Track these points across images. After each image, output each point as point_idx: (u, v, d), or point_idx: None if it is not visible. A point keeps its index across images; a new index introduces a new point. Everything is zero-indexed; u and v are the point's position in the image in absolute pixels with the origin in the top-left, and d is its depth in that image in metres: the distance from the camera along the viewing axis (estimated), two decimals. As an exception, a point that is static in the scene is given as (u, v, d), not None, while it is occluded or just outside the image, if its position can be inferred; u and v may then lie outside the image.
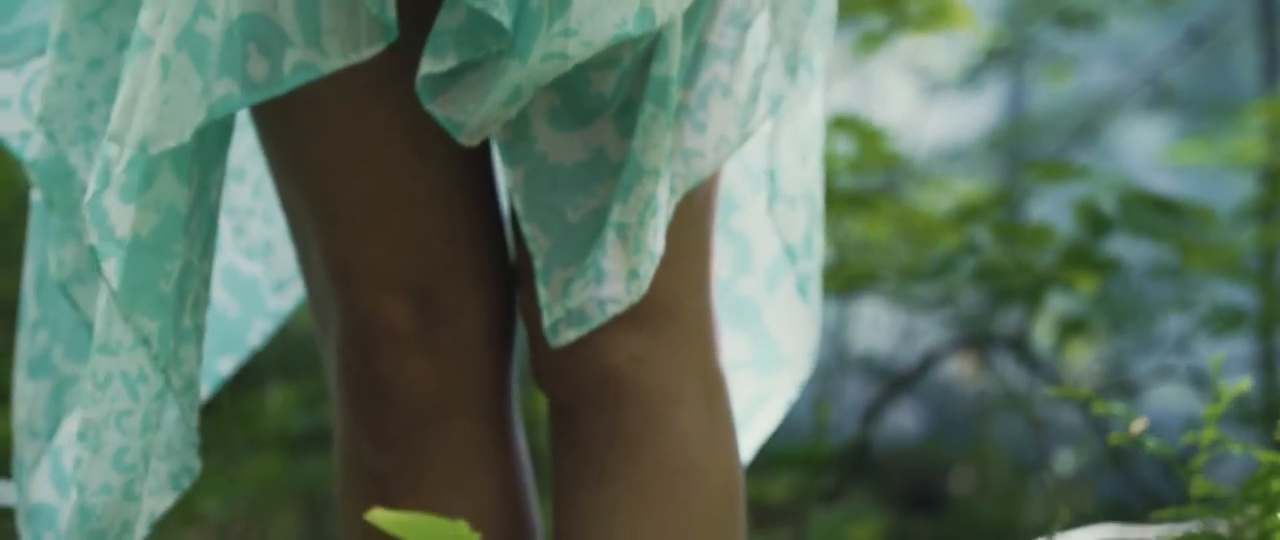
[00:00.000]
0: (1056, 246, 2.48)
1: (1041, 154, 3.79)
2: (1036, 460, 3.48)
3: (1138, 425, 1.66)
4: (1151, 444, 1.67)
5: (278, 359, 3.39)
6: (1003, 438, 3.84)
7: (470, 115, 1.43)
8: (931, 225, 2.64)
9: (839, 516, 2.79)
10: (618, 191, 1.43)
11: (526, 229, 1.48)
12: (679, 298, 1.53)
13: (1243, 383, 1.61)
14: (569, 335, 1.46)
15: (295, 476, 3.36)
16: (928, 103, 4.08)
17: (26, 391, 1.60)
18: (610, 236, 1.43)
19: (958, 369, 3.68)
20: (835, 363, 3.76)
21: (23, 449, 1.61)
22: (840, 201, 2.78)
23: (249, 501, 3.36)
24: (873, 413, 2.74)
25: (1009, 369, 3.17)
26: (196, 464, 1.49)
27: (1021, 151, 4.17)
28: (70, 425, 1.63)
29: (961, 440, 4.15)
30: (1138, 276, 2.92)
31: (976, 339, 2.82)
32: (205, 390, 1.70)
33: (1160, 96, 3.85)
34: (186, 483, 1.48)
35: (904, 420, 4.51)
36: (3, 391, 3.20)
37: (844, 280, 2.79)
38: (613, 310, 1.44)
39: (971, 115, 4.38)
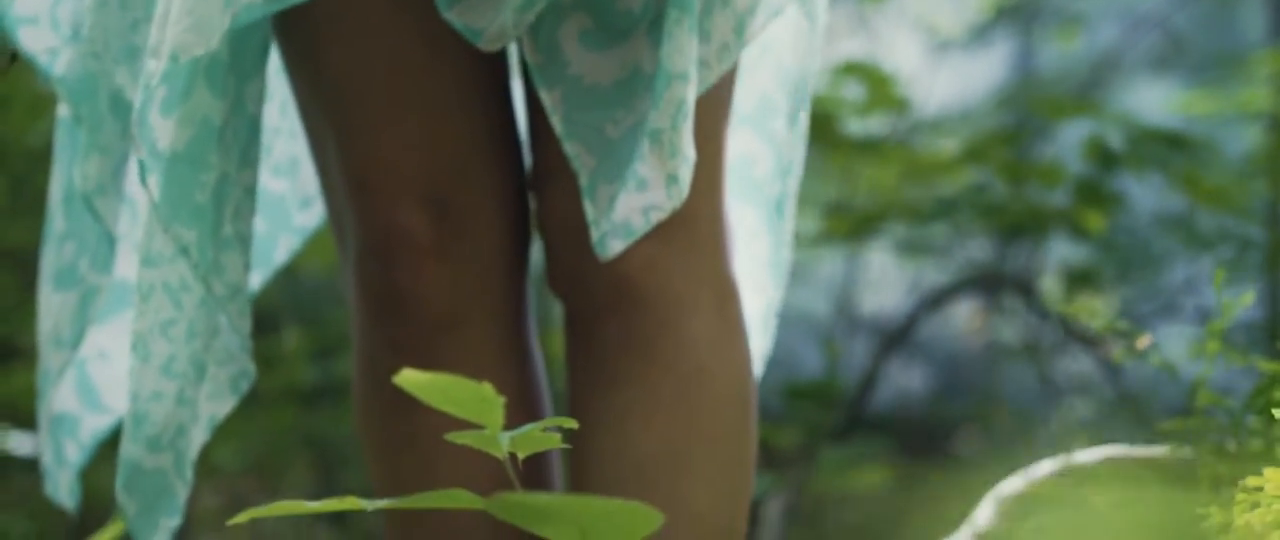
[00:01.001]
0: (1066, 183, 2.50)
1: (1056, 126, 3.80)
2: (1046, 414, 3.49)
3: (1143, 342, 1.69)
4: (1156, 360, 1.69)
5: (291, 308, 3.41)
6: (1012, 393, 3.85)
7: (489, 22, 1.46)
8: (939, 165, 2.66)
9: (847, 455, 2.82)
10: (650, 99, 1.45)
11: (569, 148, 1.50)
12: (692, 206, 1.55)
13: (1246, 295, 1.63)
14: (616, 246, 1.48)
15: (308, 428, 3.38)
16: (935, 62, 4.09)
17: (53, 302, 1.63)
18: (645, 145, 1.45)
19: (966, 319, 3.69)
20: (843, 321, 3.78)
21: (48, 359, 1.64)
22: (848, 147, 2.80)
23: (261, 453, 3.38)
24: (883, 350, 2.76)
25: (1017, 320, 3.19)
26: (252, 368, 1.53)
27: (1030, 110, 4.18)
28: (95, 336, 1.67)
29: (970, 399, 4.16)
30: (1145, 225, 2.94)
31: (983, 279, 2.85)
32: None
33: (1167, 49, 3.86)
34: (245, 386, 1.53)
35: (913, 381, 4.53)
36: (17, 348, 3.22)
37: (853, 224, 2.81)
38: (656, 217, 1.46)
39: (979, 74, 4.40)
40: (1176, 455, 1.83)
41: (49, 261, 1.65)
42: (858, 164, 2.86)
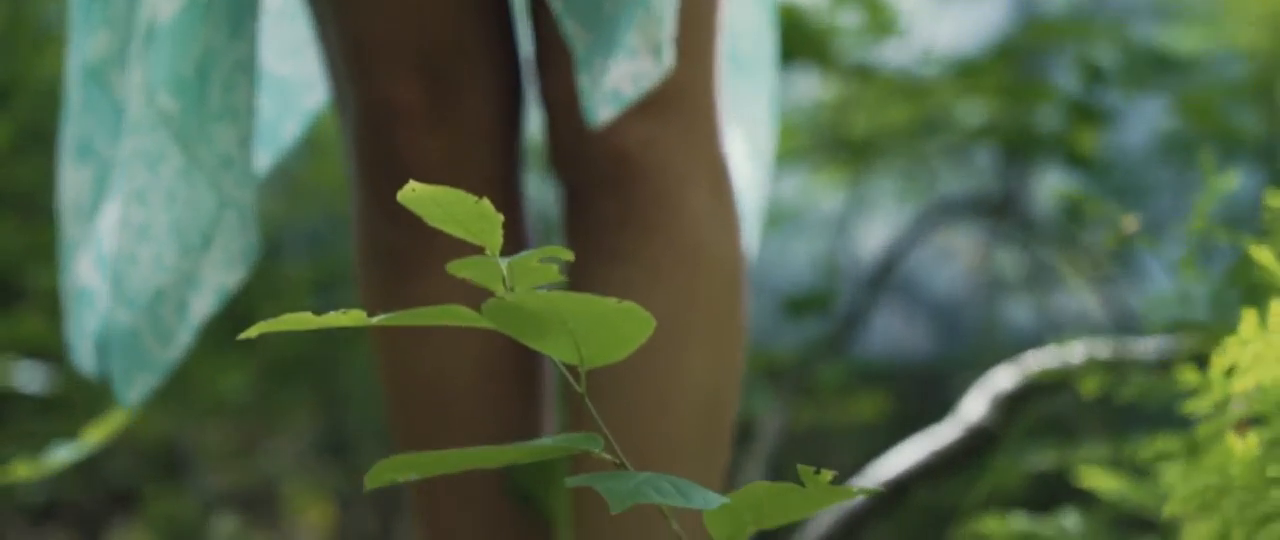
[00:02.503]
0: (1058, 102, 2.53)
1: (1053, 59, 3.83)
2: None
3: (1129, 223, 1.72)
4: (1144, 241, 1.72)
5: (294, 238, 3.43)
6: (1012, 338, 3.87)
7: None
8: (936, 90, 2.69)
9: (844, 367, 2.85)
10: None
11: (567, 26, 1.53)
12: (688, 84, 1.59)
13: (1229, 179, 1.66)
14: (605, 113, 1.51)
15: (311, 359, 3.39)
16: (937, 10, 4.11)
17: (72, 177, 1.67)
18: (638, 14, 1.47)
19: (965, 255, 3.72)
20: (845, 265, 3.80)
21: (69, 230, 1.68)
22: (844, 72, 2.83)
23: (264, 386, 3.39)
24: (883, 268, 2.79)
25: (1015, 249, 3.21)
26: (257, 239, 1.57)
27: (1033, 56, 4.20)
28: (110, 210, 1.71)
29: (970, 348, 4.18)
30: (1139, 149, 2.96)
31: (977, 204, 2.88)
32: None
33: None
34: (253, 258, 1.57)
35: (914, 336, 4.54)
36: (25, 290, 3.23)
37: (851, 152, 2.83)
38: (645, 84, 1.49)
39: (981, 22, 4.41)
40: (1160, 346, 1.87)
41: (68, 136, 1.69)
42: (855, 92, 2.89)
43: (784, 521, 1.07)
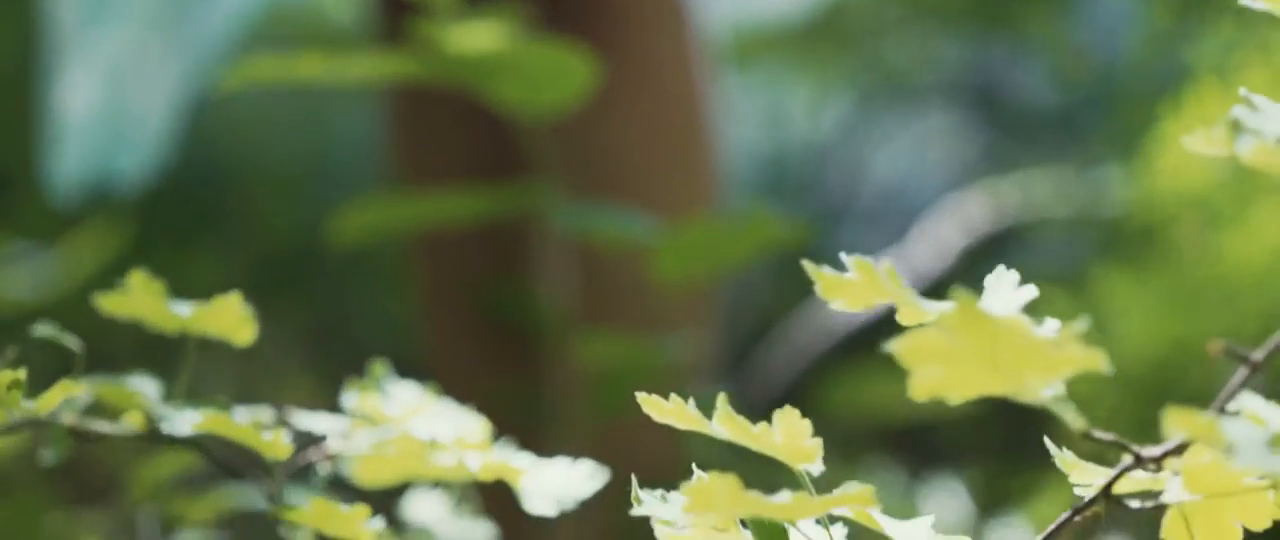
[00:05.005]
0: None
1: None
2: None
3: (1077, 61, 1.76)
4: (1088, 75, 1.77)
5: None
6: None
7: None
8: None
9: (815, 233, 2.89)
10: None
11: None
12: None
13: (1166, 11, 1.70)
14: None
15: (303, 259, 3.40)
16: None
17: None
18: None
19: (948, 162, 3.76)
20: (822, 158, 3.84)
21: (58, 51, 1.73)
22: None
23: (255, 277, 3.40)
24: (859, 149, 2.83)
25: (995, 148, 3.25)
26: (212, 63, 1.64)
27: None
28: (110, 29, 1.76)
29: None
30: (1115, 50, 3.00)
31: (955, 92, 2.92)
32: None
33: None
34: (207, 74, 1.63)
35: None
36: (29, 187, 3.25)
37: (832, 48, 2.87)
38: None
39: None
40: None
41: None
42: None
43: (732, 258, 1.12)
